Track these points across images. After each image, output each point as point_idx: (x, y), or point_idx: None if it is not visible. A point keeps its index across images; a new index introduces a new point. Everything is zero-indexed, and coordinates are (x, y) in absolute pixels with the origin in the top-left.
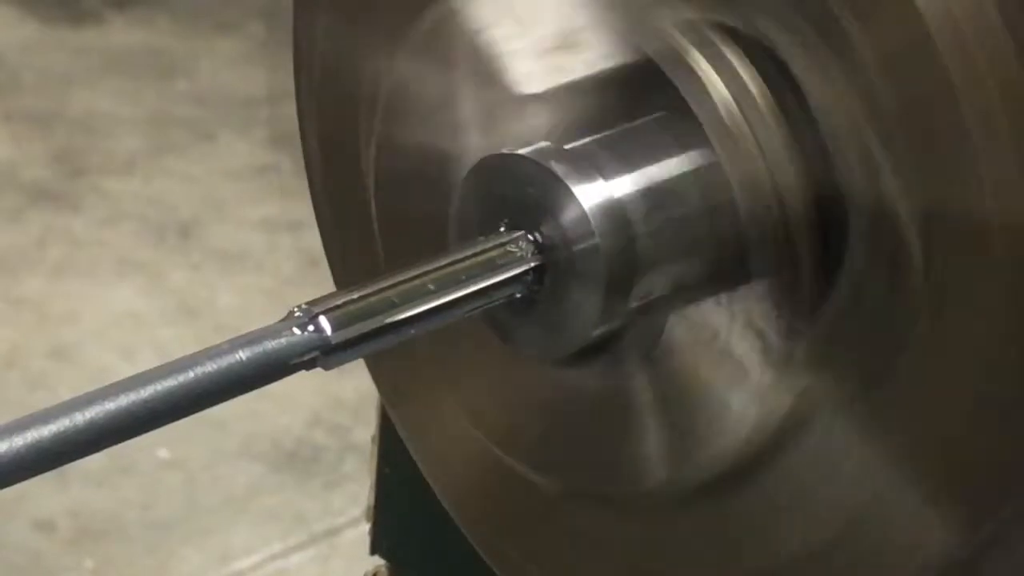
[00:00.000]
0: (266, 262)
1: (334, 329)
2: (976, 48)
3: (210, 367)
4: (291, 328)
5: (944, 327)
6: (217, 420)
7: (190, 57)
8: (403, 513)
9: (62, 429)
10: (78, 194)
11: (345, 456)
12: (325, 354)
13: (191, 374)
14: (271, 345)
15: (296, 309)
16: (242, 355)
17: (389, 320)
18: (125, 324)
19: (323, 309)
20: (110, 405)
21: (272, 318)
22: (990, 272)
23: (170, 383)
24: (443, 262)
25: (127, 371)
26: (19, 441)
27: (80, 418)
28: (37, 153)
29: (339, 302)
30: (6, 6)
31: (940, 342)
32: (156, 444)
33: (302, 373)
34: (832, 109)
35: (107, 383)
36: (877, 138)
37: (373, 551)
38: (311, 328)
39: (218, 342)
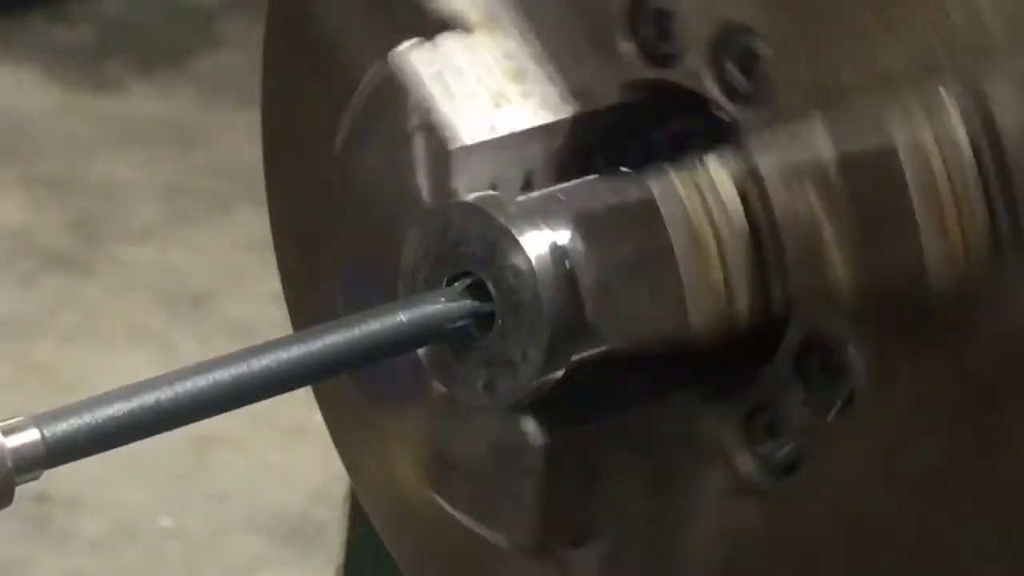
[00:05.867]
0: (277, 336)
1: (486, 299)
2: (945, 183)
3: (374, 326)
4: (449, 296)
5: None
6: (220, 492)
7: (210, 129)
8: (374, 573)
9: (240, 373)
10: (92, 261)
11: None
12: (478, 323)
13: (357, 331)
14: (430, 310)
15: (448, 280)
16: (403, 317)
17: None
18: None
19: (474, 281)
20: (283, 355)
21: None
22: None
23: (337, 338)
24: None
25: None
26: (202, 381)
27: (256, 364)
28: (53, 218)
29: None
30: (29, 71)
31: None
32: (158, 512)
33: (309, 444)
34: (793, 221)
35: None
36: (835, 252)
37: None
38: (466, 298)
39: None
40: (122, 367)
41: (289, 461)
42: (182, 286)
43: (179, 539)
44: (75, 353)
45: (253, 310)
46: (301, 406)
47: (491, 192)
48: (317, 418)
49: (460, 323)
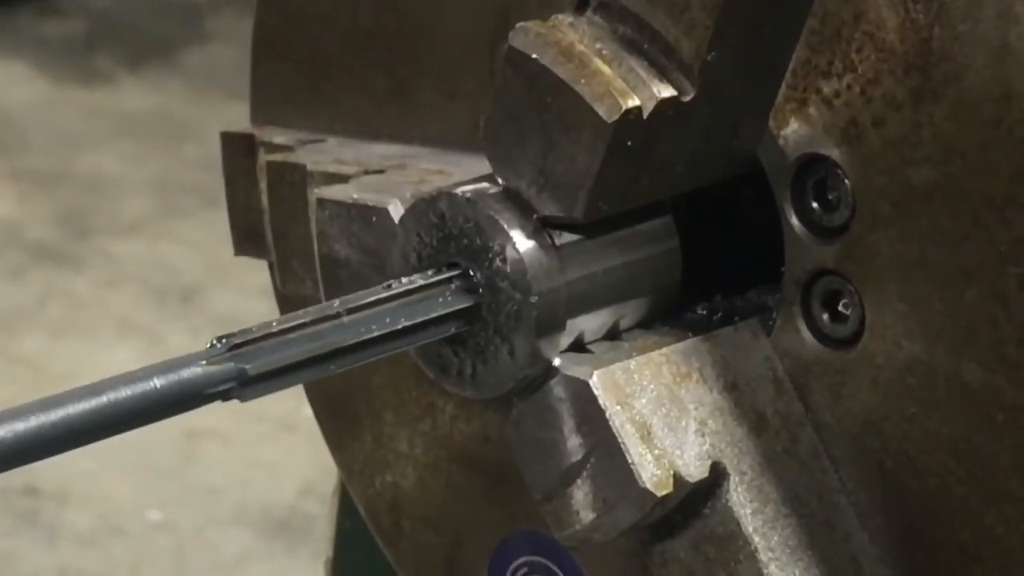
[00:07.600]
0: None
1: (252, 361)
2: None
3: (124, 392)
4: (209, 358)
5: None
6: (209, 485)
7: (200, 122)
8: (362, 566)
9: None
10: (81, 254)
11: None
12: (242, 385)
13: (104, 399)
14: (187, 374)
15: (215, 340)
16: (157, 382)
17: (308, 356)
18: None
19: (242, 341)
20: (19, 426)
21: None
22: None
23: (83, 407)
24: (370, 299)
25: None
26: None
27: None
28: (42, 212)
29: (259, 335)
30: (18, 65)
31: None
32: (147, 506)
33: (298, 439)
34: None
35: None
36: None
37: None
38: (229, 359)
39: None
40: (111, 360)
41: (278, 455)
42: (171, 280)
43: (168, 533)
44: (64, 346)
45: (242, 304)
46: (290, 400)
47: (484, 184)
48: (306, 412)
49: (222, 387)
